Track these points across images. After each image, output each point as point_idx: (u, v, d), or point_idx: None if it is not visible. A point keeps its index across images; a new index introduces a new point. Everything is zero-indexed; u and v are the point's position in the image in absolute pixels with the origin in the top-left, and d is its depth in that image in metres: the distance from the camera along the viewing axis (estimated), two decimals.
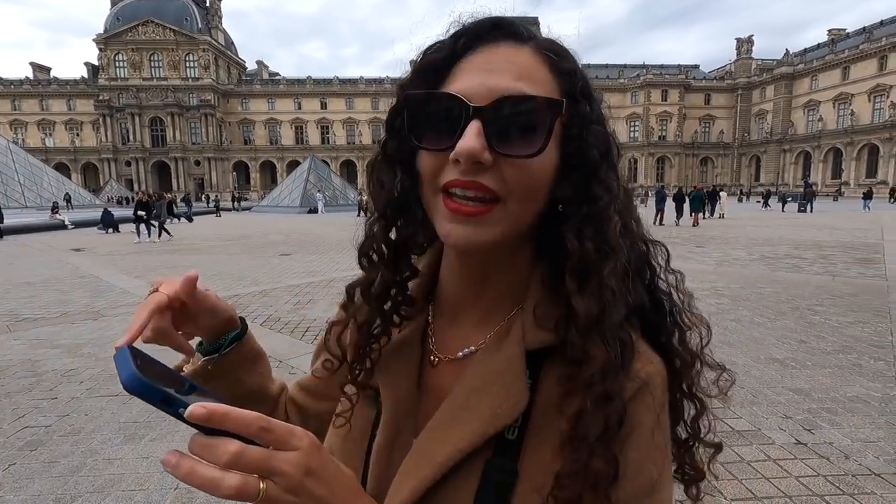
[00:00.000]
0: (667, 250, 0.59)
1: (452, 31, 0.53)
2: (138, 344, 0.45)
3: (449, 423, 0.52)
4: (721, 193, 26.76)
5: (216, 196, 44.48)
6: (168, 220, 19.44)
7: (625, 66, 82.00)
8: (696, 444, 0.58)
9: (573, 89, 0.51)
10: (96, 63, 73.19)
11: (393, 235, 0.57)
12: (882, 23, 61.66)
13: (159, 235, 17.62)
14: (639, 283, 0.54)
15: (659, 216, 21.72)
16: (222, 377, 0.67)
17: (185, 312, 0.59)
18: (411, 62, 0.54)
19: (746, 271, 9.80)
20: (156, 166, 72.86)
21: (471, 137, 0.46)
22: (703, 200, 22.22)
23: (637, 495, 0.48)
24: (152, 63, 72.10)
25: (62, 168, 65.86)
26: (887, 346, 5.10)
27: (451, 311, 0.61)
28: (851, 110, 59.23)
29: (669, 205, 22.70)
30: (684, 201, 21.93)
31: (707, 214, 23.14)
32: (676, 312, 0.57)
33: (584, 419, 0.46)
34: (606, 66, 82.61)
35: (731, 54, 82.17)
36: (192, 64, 72.43)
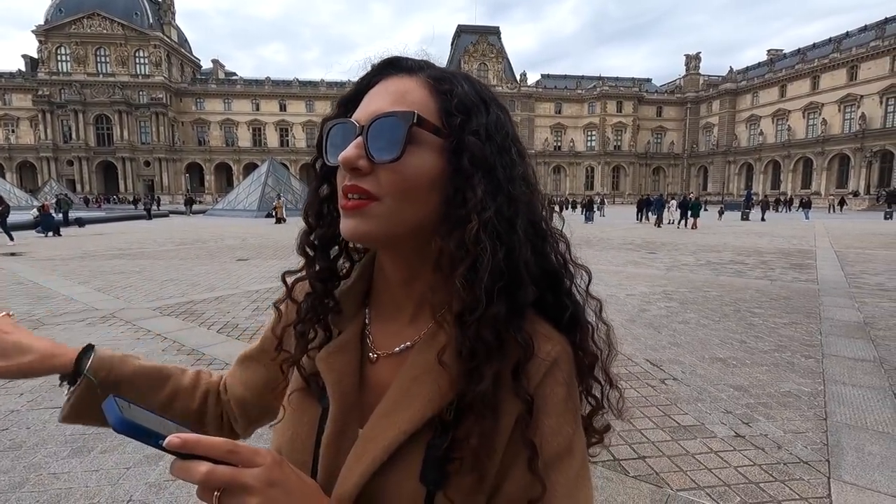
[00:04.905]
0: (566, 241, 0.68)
1: (364, 71, 0.64)
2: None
3: (393, 409, 0.58)
4: (672, 202, 29.89)
5: (143, 198, 37.42)
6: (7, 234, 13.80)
7: (582, 77, 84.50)
8: (601, 414, 0.67)
9: (448, 106, 0.58)
10: (35, 56, 68.58)
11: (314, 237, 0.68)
12: (815, 45, 66.28)
13: None
14: (526, 282, 0.59)
15: (657, 219, 26.61)
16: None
17: None
18: (372, 65, 0.64)
19: (693, 276, 10.35)
20: (101, 166, 68.74)
21: (349, 149, 0.56)
22: (700, 207, 25.27)
23: (559, 454, 0.57)
24: (98, 58, 67.78)
25: None
26: (817, 344, 5.53)
27: (386, 312, 0.68)
28: (788, 126, 63.40)
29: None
30: (687, 207, 24.99)
31: (680, 220, 25.63)
32: (579, 312, 0.65)
33: (465, 395, 0.55)
34: (565, 76, 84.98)
35: (680, 70, 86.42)
36: (142, 60, 68.70)
